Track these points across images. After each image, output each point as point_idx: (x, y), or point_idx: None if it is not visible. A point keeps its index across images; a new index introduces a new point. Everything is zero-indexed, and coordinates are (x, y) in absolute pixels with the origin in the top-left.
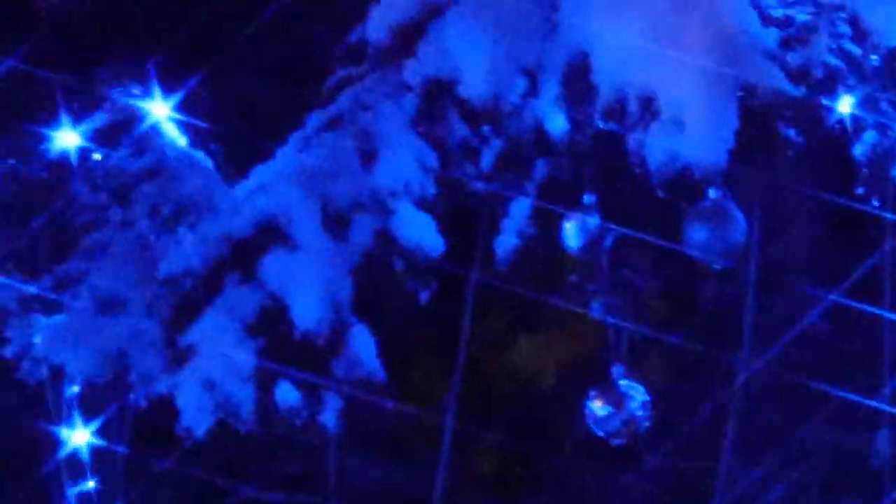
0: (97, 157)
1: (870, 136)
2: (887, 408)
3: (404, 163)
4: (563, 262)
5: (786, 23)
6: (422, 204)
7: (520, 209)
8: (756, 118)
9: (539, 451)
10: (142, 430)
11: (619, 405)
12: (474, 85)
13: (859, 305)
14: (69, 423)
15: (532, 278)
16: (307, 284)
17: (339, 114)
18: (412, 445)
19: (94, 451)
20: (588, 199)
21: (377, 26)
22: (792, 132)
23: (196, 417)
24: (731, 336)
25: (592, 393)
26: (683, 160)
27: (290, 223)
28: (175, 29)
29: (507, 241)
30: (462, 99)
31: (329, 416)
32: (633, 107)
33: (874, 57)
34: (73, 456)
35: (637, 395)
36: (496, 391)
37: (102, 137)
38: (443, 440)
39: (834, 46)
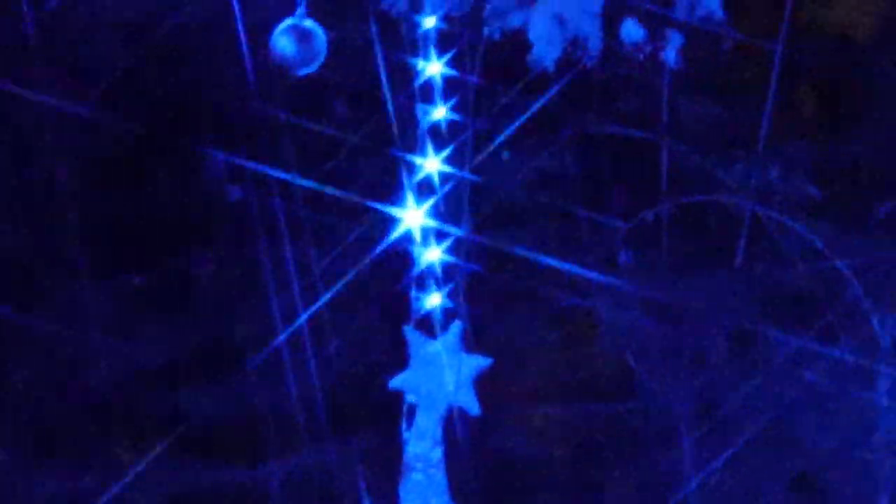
0: None
1: None
2: None
3: None
4: None
5: None
6: None
7: None
8: None
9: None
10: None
11: None
12: None
13: None
14: (425, 55)
15: None
16: None
17: None
18: (743, 81)
19: (447, 79)
20: None
21: None
22: None
23: (545, 49)
24: None
25: None
26: None
27: None
28: None
29: None
30: None
31: (670, 53)
32: None
33: None
34: (427, 83)
35: None
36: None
37: None
38: (770, 75)
39: None
